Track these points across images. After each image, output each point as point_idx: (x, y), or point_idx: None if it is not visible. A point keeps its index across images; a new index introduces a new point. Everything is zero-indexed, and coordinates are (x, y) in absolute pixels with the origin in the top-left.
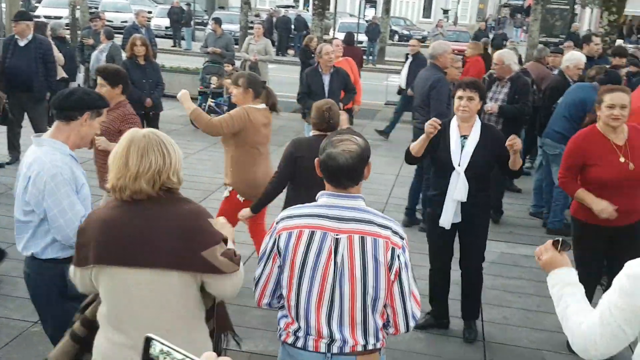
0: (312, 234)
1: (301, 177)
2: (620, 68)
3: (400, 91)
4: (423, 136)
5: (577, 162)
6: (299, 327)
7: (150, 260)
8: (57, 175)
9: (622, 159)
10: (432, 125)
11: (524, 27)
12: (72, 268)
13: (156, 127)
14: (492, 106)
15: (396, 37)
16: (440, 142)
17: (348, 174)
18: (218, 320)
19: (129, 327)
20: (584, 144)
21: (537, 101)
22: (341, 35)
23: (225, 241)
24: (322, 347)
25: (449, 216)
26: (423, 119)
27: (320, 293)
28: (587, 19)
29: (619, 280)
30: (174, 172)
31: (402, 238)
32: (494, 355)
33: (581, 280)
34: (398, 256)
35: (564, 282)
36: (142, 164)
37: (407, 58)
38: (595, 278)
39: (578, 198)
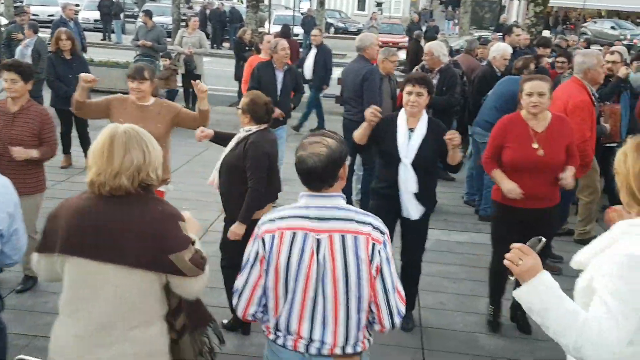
0: (294, 235)
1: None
2: (544, 57)
3: (306, 82)
4: (365, 124)
5: (498, 144)
6: (280, 326)
7: (117, 256)
8: None
9: (535, 145)
10: (372, 113)
11: (456, 20)
12: (35, 256)
13: (84, 124)
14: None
15: (332, 29)
16: (386, 135)
17: (318, 176)
18: (192, 316)
19: (84, 317)
20: (505, 128)
21: (467, 92)
22: (276, 28)
23: (193, 243)
24: (301, 347)
25: (413, 206)
26: (355, 110)
27: (304, 293)
28: (515, 11)
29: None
30: (153, 170)
31: (382, 233)
32: (431, 340)
33: (495, 261)
34: (379, 252)
35: (555, 287)
36: (124, 160)
37: (310, 48)
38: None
39: (493, 177)
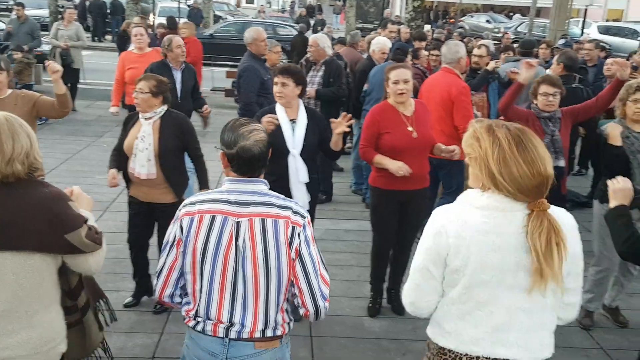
0: (212, 219)
1: None
2: (421, 50)
3: None
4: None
5: (374, 132)
6: (200, 311)
7: (15, 243)
8: None
9: (409, 128)
10: (269, 122)
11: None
12: None
13: None
14: (309, 91)
15: (221, 22)
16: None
17: (262, 162)
18: (90, 291)
19: None
20: (378, 116)
21: (351, 84)
22: (162, 20)
23: (86, 221)
24: (220, 332)
25: (302, 195)
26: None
27: (223, 277)
28: (399, 6)
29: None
30: (37, 152)
31: (303, 217)
32: (319, 326)
33: (377, 245)
34: (298, 234)
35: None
36: (15, 146)
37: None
38: (390, 243)
39: (376, 163)
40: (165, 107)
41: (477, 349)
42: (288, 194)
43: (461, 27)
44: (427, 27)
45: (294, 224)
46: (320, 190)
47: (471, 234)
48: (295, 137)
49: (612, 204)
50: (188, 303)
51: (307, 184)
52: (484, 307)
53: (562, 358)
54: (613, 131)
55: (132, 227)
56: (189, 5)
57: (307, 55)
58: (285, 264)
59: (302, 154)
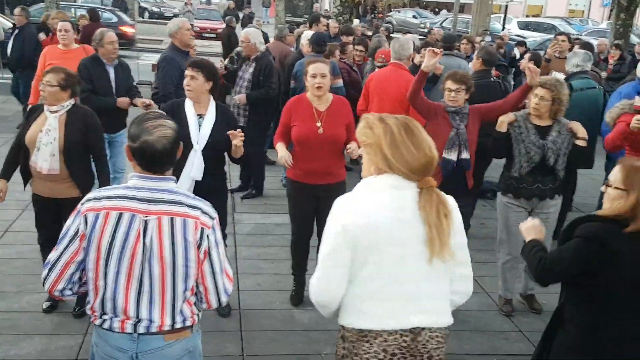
0: (120, 216)
1: None
2: (348, 45)
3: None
4: None
5: (286, 122)
6: (106, 309)
7: None
8: None
9: (318, 124)
10: None
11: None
12: None
13: None
14: (239, 97)
15: (146, 14)
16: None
17: (167, 158)
18: None
19: None
20: (292, 107)
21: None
22: (83, 13)
23: None
24: (129, 328)
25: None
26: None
27: (129, 274)
28: (328, 0)
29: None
30: None
31: (212, 218)
32: (249, 320)
33: (295, 235)
34: (207, 236)
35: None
36: None
37: (14, 29)
38: (308, 233)
39: (276, 149)
40: (72, 101)
41: (394, 322)
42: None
43: (389, 23)
44: (356, 21)
45: (203, 225)
46: (250, 185)
47: (375, 213)
48: (200, 133)
49: (527, 239)
50: (89, 302)
51: (211, 183)
52: (395, 280)
53: (483, 341)
54: (503, 117)
55: (40, 226)
56: None
57: (239, 49)
58: (194, 262)
59: (204, 151)
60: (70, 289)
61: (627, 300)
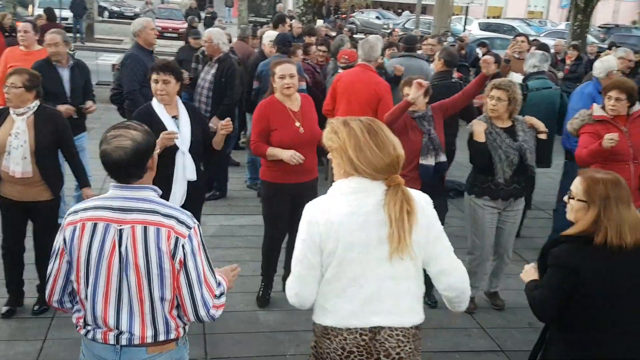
0: (94, 226)
1: None
2: (311, 46)
3: None
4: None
5: (264, 127)
6: (88, 319)
7: None
8: None
9: (297, 124)
10: (168, 138)
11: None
12: None
13: None
14: (214, 122)
15: (106, 13)
16: (152, 127)
17: (125, 170)
18: None
19: None
20: (267, 111)
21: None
22: (41, 12)
23: None
24: (111, 339)
25: (182, 194)
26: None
27: (107, 285)
28: (291, 0)
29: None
30: None
31: (189, 227)
32: (213, 323)
33: (269, 237)
34: (182, 245)
35: None
36: None
37: None
38: (282, 235)
39: (269, 155)
40: (38, 102)
41: (355, 322)
42: (168, 192)
43: (352, 23)
44: (319, 22)
45: (177, 234)
46: (213, 187)
47: (338, 218)
48: (182, 134)
49: (527, 279)
50: (79, 310)
51: (197, 181)
52: (356, 282)
53: (446, 338)
54: (477, 128)
55: (6, 229)
56: None
57: (203, 48)
58: (168, 272)
59: (191, 150)
60: (70, 302)
61: (603, 314)
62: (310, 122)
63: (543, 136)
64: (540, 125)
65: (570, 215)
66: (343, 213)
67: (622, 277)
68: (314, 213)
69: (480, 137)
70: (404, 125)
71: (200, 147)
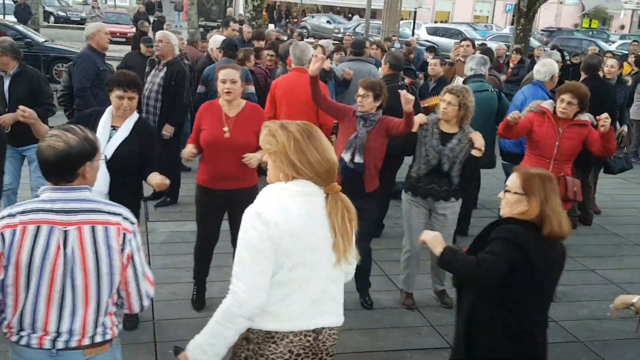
0: (37, 229)
1: None
2: (262, 51)
3: None
4: None
5: (197, 127)
6: (24, 325)
7: None
8: None
9: (225, 128)
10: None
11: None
12: None
13: None
14: (167, 129)
15: (52, 18)
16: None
17: (52, 169)
18: None
19: None
20: (203, 112)
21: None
22: None
23: None
24: (47, 344)
25: None
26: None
27: (50, 288)
28: (241, 4)
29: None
30: None
31: (132, 223)
32: (164, 331)
33: (201, 240)
34: (129, 241)
35: None
36: None
37: None
38: (214, 239)
39: (184, 152)
40: None
41: (300, 324)
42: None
43: (303, 28)
44: (271, 26)
45: (125, 231)
46: (164, 192)
47: (296, 219)
48: (108, 144)
49: (438, 250)
50: (5, 318)
51: (122, 198)
52: (304, 284)
53: (396, 337)
54: (417, 119)
55: None
56: (15, 1)
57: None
58: (118, 268)
59: (109, 163)
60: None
61: (534, 299)
62: (243, 131)
63: (476, 153)
64: (477, 142)
65: (505, 209)
66: (299, 215)
67: (554, 265)
68: (269, 213)
69: (414, 128)
70: (343, 115)
71: (127, 165)
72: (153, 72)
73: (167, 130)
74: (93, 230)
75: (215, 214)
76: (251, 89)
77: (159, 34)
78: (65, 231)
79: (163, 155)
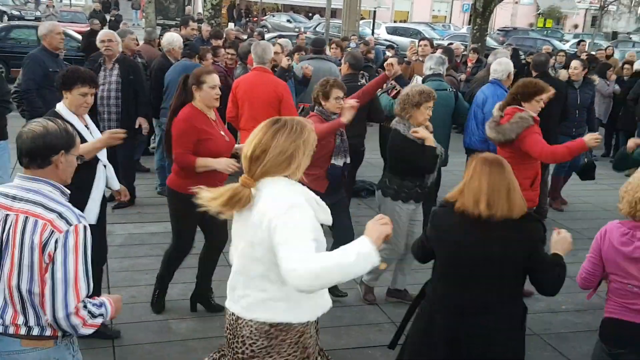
0: None
1: None
2: (220, 49)
3: None
4: None
5: (193, 139)
6: None
7: None
8: None
9: (222, 132)
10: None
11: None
12: None
13: None
14: (140, 120)
15: (5, 17)
16: None
17: (27, 152)
18: None
19: None
20: (193, 123)
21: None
22: None
23: None
24: None
25: (97, 210)
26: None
27: None
28: (201, 3)
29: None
30: None
31: (69, 224)
32: (123, 335)
33: (176, 249)
34: (56, 240)
35: None
36: None
37: None
38: (189, 247)
39: (201, 166)
40: None
41: (228, 304)
42: (83, 204)
43: (264, 26)
44: (231, 25)
45: (54, 228)
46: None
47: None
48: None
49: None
50: None
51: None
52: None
53: (358, 334)
54: (427, 135)
55: None
56: None
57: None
58: (37, 265)
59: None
60: None
61: (446, 271)
62: (226, 132)
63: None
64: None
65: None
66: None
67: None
68: (298, 198)
69: (432, 142)
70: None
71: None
72: (103, 72)
73: (142, 123)
74: (25, 220)
75: (193, 220)
76: None
77: (103, 33)
78: (7, 215)
79: (120, 156)
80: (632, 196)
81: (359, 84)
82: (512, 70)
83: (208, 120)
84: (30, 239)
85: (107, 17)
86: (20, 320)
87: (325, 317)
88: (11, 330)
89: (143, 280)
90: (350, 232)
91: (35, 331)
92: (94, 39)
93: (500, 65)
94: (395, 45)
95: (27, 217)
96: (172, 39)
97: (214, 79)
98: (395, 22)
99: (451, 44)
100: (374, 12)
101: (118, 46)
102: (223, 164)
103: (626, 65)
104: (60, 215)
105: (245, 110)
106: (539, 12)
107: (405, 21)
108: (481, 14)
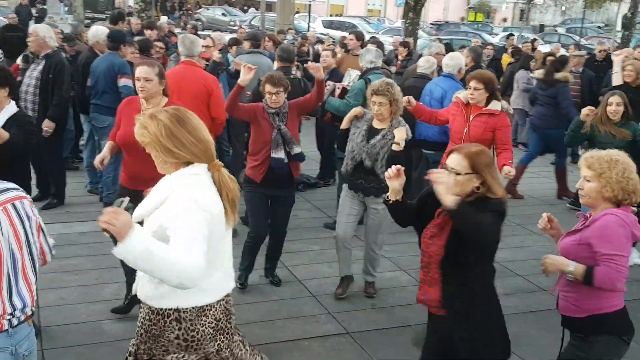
0: None
1: None
2: (153, 41)
3: None
4: None
5: (117, 123)
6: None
7: None
8: None
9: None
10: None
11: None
12: None
13: None
14: (46, 125)
15: None
16: None
17: None
18: None
19: None
20: (123, 109)
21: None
22: None
23: None
24: (5, 325)
25: None
26: None
27: None
28: None
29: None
30: None
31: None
32: (52, 338)
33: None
34: (34, 209)
35: (148, 237)
36: None
37: None
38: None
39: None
40: None
41: (221, 292)
42: None
43: (198, 20)
44: (164, 18)
45: (29, 202)
46: (50, 194)
47: (214, 200)
48: None
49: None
50: None
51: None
52: (220, 253)
53: (296, 327)
54: (349, 112)
55: None
56: None
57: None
58: (36, 236)
59: None
60: None
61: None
62: None
63: (395, 147)
64: (397, 136)
65: (456, 189)
66: (214, 193)
67: None
68: (201, 194)
69: (344, 124)
70: (254, 115)
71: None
72: (32, 66)
73: (47, 126)
74: (14, 206)
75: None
76: (125, 81)
77: (30, 29)
78: None
79: (45, 154)
80: (625, 179)
81: (291, 76)
82: (463, 64)
83: (138, 109)
84: (26, 216)
85: (34, 11)
86: (7, 305)
87: (263, 312)
88: (24, 316)
89: (73, 281)
90: (280, 236)
91: (17, 315)
92: (9, 34)
93: (452, 59)
94: (333, 39)
95: (14, 203)
96: (97, 32)
97: (138, 71)
98: (331, 15)
99: (407, 41)
100: (309, 5)
101: (41, 41)
102: (104, 152)
103: (549, 57)
104: (21, 190)
105: (173, 104)
106: (469, 6)
107: (340, 15)
108: (413, 7)
